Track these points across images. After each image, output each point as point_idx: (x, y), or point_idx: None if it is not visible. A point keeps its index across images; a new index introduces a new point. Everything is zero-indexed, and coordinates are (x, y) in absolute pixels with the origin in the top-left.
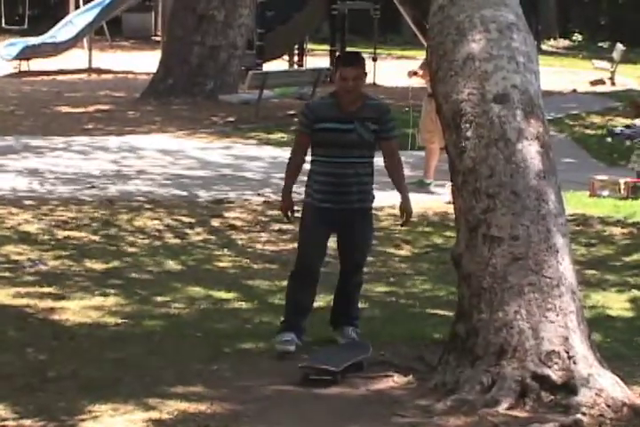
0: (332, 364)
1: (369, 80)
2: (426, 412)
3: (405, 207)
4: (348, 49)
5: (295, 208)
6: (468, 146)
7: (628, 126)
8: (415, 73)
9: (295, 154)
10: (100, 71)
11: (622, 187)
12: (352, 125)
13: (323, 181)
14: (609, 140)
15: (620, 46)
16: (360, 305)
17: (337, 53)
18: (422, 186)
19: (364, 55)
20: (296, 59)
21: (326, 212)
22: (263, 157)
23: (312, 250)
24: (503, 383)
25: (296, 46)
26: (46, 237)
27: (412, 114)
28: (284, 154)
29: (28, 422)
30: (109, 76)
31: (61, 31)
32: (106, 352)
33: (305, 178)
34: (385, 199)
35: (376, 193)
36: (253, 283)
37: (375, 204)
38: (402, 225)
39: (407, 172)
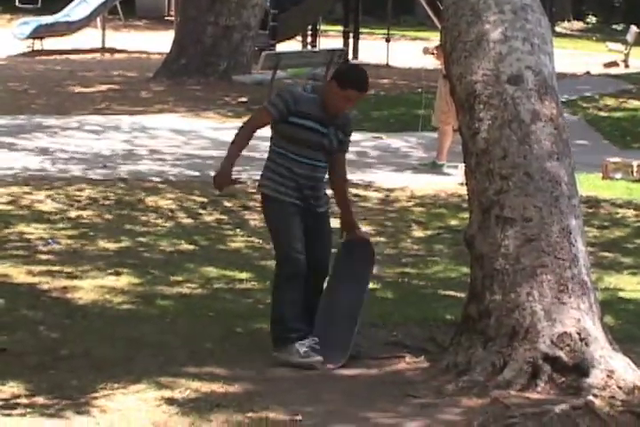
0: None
1: (382, 61)
2: (437, 393)
3: (349, 220)
4: (362, 30)
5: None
6: (481, 127)
7: None
8: (430, 51)
9: (250, 129)
10: (113, 51)
11: (635, 169)
12: (326, 130)
13: (290, 178)
14: None
15: (634, 29)
16: (373, 286)
17: (341, 66)
18: (435, 167)
19: (377, 38)
20: (309, 39)
21: (296, 208)
22: None
23: (300, 244)
24: (515, 365)
25: (309, 27)
26: (59, 216)
27: (423, 95)
28: None
29: (40, 399)
30: (122, 56)
31: (75, 10)
32: (118, 331)
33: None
34: (398, 181)
35: (391, 174)
36: (266, 263)
37: (388, 185)
38: (341, 238)
39: (420, 153)
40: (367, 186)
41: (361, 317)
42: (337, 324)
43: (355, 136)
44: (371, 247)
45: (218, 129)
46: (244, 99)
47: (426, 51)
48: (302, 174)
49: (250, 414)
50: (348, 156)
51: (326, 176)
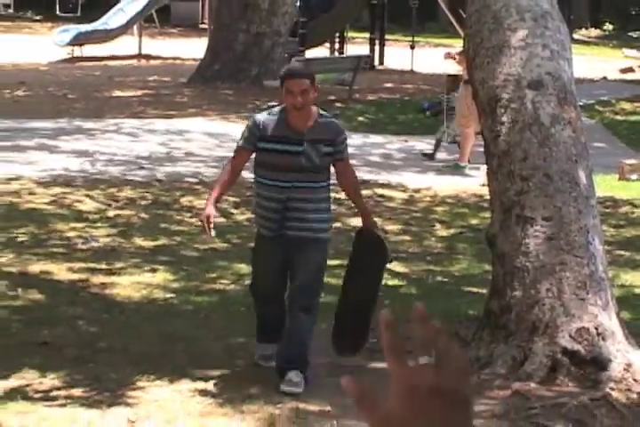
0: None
1: (407, 67)
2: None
3: (367, 224)
4: (387, 37)
5: (213, 219)
6: (502, 130)
7: (437, 102)
8: (452, 56)
9: (230, 168)
10: (149, 57)
11: None
12: (301, 148)
13: (266, 207)
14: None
15: None
16: (397, 282)
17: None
18: (457, 169)
19: (402, 44)
20: (337, 46)
21: (272, 240)
22: None
23: (265, 281)
24: (535, 358)
25: (337, 34)
26: (98, 215)
27: (450, 99)
28: None
29: (79, 391)
30: (158, 62)
31: (113, 18)
32: (154, 326)
33: None
34: (423, 182)
35: (415, 176)
36: None
37: (413, 186)
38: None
39: (442, 155)
40: (393, 186)
41: (375, 311)
42: (352, 317)
43: (380, 139)
44: (383, 243)
45: None
46: (274, 103)
47: (447, 56)
48: (281, 199)
49: (280, 405)
50: (374, 158)
51: (322, 195)
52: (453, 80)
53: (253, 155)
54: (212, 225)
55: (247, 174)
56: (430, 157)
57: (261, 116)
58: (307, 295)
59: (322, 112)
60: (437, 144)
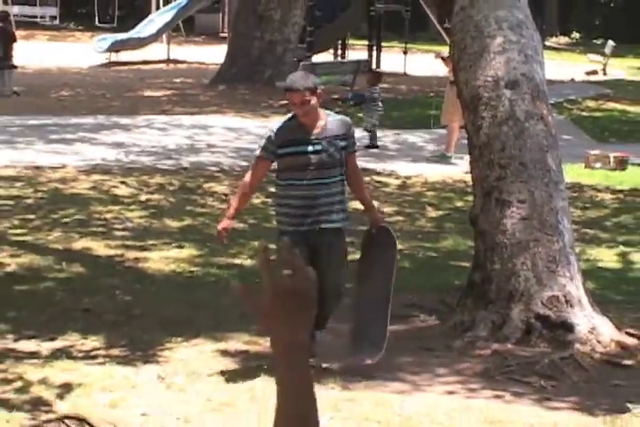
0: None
1: (400, 70)
2: (447, 347)
3: (371, 216)
4: (383, 44)
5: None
6: (483, 124)
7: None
8: (441, 57)
9: (253, 180)
10: (176, 62)
11: (612, 160)
12: (319, 146)
13: (294, 205)
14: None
15: (610, 43)
16: None
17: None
18: (444, 158)
19: (396, 50)
20: (339, 52)
21: (299, 234)
22: None
23: None
24: (511, 323)
25: (339, 41)
26: (132, 199)
27: (434, 99)
28: None
29: (116, 351)
30: (184, 66)
31: (145, 28)
32: (181, 295)
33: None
34: (414, 170)
35: (407, 164)
36: None
37: (405, 173)
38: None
39: (431, 147)
40: (388, 174)
41: (390, 310)
42: (369, 319)
43: (378, 133)
44: (393, 239)
45: (263, 127)
46: (285, 101)
47: (437, 55)
48: (309, 195)
49: None
50: (371, 149)
51: (342, 188)
52: (374, 75)
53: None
54: (225, 236)
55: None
56: (373, 146)
57: (276, 126)
58: (337, 285)
59: (328, 112)
60: (370, 132)
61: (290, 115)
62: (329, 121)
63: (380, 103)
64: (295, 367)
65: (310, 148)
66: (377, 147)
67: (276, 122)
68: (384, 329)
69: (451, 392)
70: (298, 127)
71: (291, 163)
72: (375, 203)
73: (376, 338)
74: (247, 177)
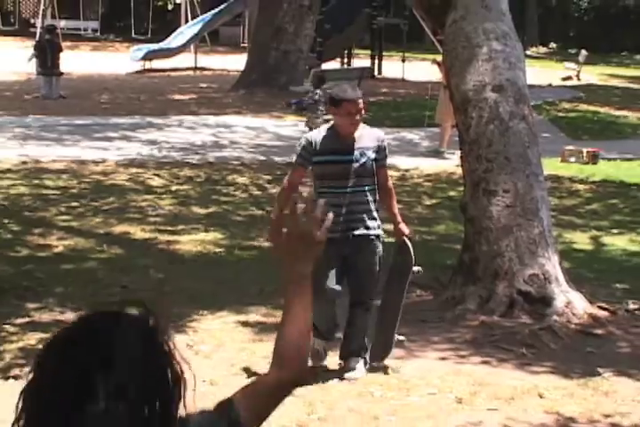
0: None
1: (399, 76)
2: (440, 318)
3: (397, 227)
4: (384, 53)
5: None
6: (472, 123)
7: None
8: (437, 62)
9: (288, 186)
10: (202, 69)
11: (585, 155)
12: (352, 156)
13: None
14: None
15: (583, 52)
16: (392, 240)
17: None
18: (438, 153)
19: (396, 59)
20: (346, 60)
21: (331, 242)
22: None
23: (324, 281)
24: (497, 297)
25: (346, 51)
26: (164, 189)
27: (429, 101)
28: None
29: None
30: (209, 73)
31: (175, 39)
32: (207, 273)
33: None
34: (411, 163)
35: (406, 158)
36: None
37: (404, 166)
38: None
39: (426, 143)
40: (388, 167)
41: (399, 321)
42: (379, 326)
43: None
44: (409, 251)
45: (278, 126)
46: (294, 100)
47: (434, 62)
48: (343, 203)
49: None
50: None
51: (374, 197)
52: (320, 77)
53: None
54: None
55: (277, 158)
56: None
57: (312, 135)
58: (366, 293)
59: (363, 125)
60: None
61: (325, 126)
62: (364, 133)
63: (321, 106)
64: (301, 292)
65: (345, 157)
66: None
67: (314, 131)
68: (392, 337)
69: (443, 358)
70: (336, 137)
71: (325, 171)
72: None
73: (384, 344)
74: (285, 182)
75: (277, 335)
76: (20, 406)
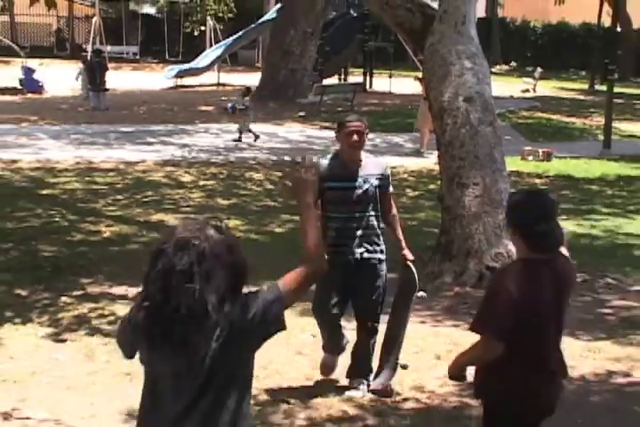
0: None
1: (387, 90)
2: (422, 289)
3: (405, 258)
4: (374, 71)
5: None
6: (447, 128)
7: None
8: (419, 80)
9: None
10: (224, 85)
11: (540, 154)
12: (356, 183)
13: (336, 236)
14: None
15: (539, 69)
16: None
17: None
18: (419, 153)
19: (384, 76)
20: (342, 76)
21: (339, 266)
22: (323, 136)
23: (328, 304)
24: (469, 272)
25: (343, 69)
26: (193, 184)
27: (415, 110)
28: None
29: None
30: (230, 88)
31: (202, 61)
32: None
33: None
34: (398, 162)
35: (393, 158)
36: None
37: (392, 164)
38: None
39: (409, 145)
40: None
41: (402, 344)
42: (384, 344)
43: (371, 135)
44: (414, 277)
45: (287, 131)
46: (303, 113)
47: (416, 79)
48: (349, 227)
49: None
50: (366, 147)
51: (378, 222)
52: (247, 89)
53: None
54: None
55: (287, 158)
56: (239, 140)
57: (322, 161)
58: (372, 316)
59: (367, 154)
60: (240, 132)
61: (330, 154)
62: (368, 162)
63: (249, 112)
64: (308, 217)
65: (348, 184)
66: (240, 140)
67: (320, 158)
68: (395, 360)
69: (424, 322)
70: (341, 164)
71: (331, 197)
72: None
73: (389, 366)
74: None
75: (304, 244)
76: (142, 291)
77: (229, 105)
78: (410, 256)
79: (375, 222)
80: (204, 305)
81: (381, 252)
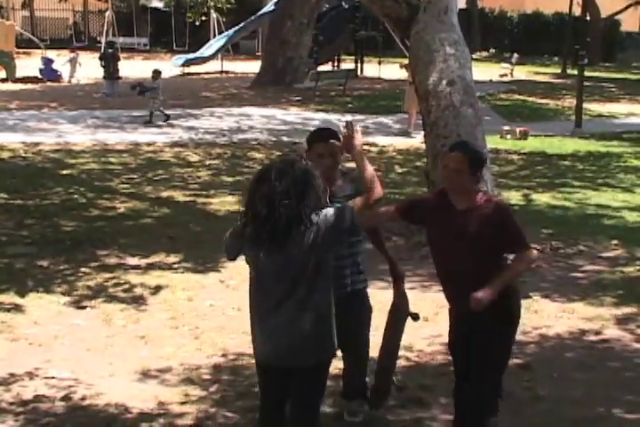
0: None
1: (376, 75)
2: (410, 257)
3: (398, 275)
4: (365, 58)
5: None
6: (432, 109)
7: (140, 84)
8: (404, 66)
9: None
10: (227, 72)
11: (518, 133)
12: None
13: None
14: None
15: (515, 55)
16: None
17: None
18: (407, 133)
19: (373, 62)
20: (336, 63)
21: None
22: (318, 118)
23: None
24: None
25: (336, 56)
26: (200, 163)
27: (402, 93)
28: (330, 117)
29: (190, 264)
30: (232, 75)
31: (206, 50)
32: (234, 225)
33: None
34: (387, 141)
35: (382, 137)
36: None
37: (382, 144)
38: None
39: (398, 126)
40: (370, 144)
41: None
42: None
43: (362, 117)
44: (405, 296)
45: (285, 114)
46: (299, 97)
47: (401, 66)
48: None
49: None
50: (358, 128)
51: (362, 248)
52: (156, 72)
53: None
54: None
55: (285, 139)
56: (149, 122)
57: None
58: (363, 348)
59: (345, 170)
60: (151, 114)
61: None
62: (344, 180)
63: (158, 93)
64: (361, 159)
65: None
66: (151, 122)
67: None
68: (389, 381)
69: (412, 288)
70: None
71: None
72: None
73: (382, 388)
74: None
75: (361, 181)
76: (245, 211)
77: (137, 88)
78: (402, 273)
79: (355, 249)
80: (300, 215)
81: (365, 281)
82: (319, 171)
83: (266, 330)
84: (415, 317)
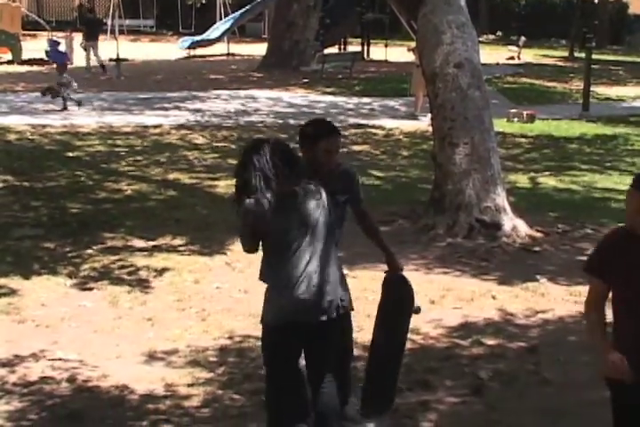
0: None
1: (383, 58)
2: (416, 241)
3: (396, 265)
4: (371, 41)
5: None
6: (439, 92)
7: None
8: (411, 49)
9: None
10: (233, 55)
11: (525, 116)
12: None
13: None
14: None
15: (522, 38)
16: (378, 182)
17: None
18: (413, 116)
19: (380, 45)
20: (342, 46)
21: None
22: (324, 100)
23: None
24: (460, 224)
25: (342, 39)
26: (206, 146)
27: (409, 76)
28: (336, 99)
29: (196, 247)
30: (238, 58)
31: (212, 33)
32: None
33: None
34: (393, 124)
35: (389, 120)
36: None
37: (388, 126)
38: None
39: (404, 108)
40: (377, 127)
41: (401, 366)
42: (382, 374)
43: (368, 100)
44: (409, 288)
45: (291, 97)
46: (305, 80)
47: (409, 49)
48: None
49: None
50: (364, 111)
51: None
52: (59, 67)
53: None
54: None
55: (292, 121)
56: (64, 108)
57: None
58: (346, 373)
59: (336, 162)
60: (64, 99)
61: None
62: (333, 175)
63: (69, 82)
64: None
65: None
66: (66, 109)
67: None
68: (394, 386)
69: (418, 270)
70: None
71: None
72: (367, 147)
73: (386, 394)
74: None
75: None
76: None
77: (47, 94)
78: (401, 265)
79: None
80: (297, 184)
81: (346, 289)
82: (325, 167)
83: (300, 285)
84: (417, 310)
